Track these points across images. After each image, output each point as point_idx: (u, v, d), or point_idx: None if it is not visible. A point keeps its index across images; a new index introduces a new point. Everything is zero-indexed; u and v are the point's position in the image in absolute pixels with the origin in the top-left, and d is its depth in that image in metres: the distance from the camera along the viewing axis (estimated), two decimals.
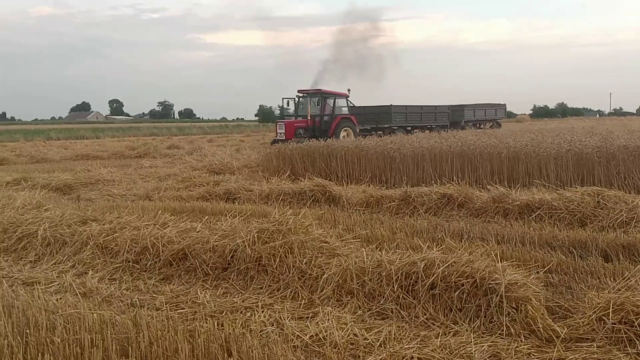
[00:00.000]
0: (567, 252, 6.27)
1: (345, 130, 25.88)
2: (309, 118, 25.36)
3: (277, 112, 25.93)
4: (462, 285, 4.67)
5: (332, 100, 26.38)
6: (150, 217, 7.53)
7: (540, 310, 4.38)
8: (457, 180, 10.23)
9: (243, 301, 5.19)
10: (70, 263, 6.62)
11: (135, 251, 6.46)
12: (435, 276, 4.78)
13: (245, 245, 5.89)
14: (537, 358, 3.88)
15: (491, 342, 4.12)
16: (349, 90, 27.27)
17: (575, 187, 8.71)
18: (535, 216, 7.97)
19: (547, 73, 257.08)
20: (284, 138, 23.90)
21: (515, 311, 4.39)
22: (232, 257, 5.94)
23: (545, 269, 5.47)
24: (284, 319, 4.63)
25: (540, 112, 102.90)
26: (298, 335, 4.33)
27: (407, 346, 4.08)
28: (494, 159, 11.40)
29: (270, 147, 16.06)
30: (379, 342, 4.19)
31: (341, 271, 5.22)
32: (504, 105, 41.24)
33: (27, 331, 4.09)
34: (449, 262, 4.87)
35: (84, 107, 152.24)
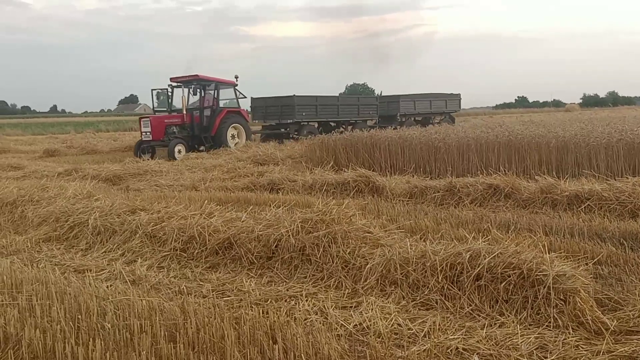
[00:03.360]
0: (617, 243, 6.11)
1: (233, 126, 21.50)
2: (185, 112, 20.76)
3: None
4: (509, 276, 4.60)
5: (213, 90, 21.43)
6: (196, 207, 7.64)
7: (589, 302, 4.29)
8: (504, 170, 10.07)
9: (287, 290, 5.23)
10: (120, 251, 6.78)
11: (182, 240, 6.57)
12: (480, 267, 4.72)
13: (289, 235, 5.92)
14: (585, 350, 3.80)
15: (538, 333, 4.06)
16: (236, 77, 22.22)
17: (627, 178, 8.48)
18: (584, 207, 7.78)
19: (597, 61, 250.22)
20: (150, 139, 19.90)
21: (563, 303, 4.30)
22: (276, 246, 5.99)
23: (595, 260, 5.34)
24: (328, 308, 4.65)
25: (590, 101, 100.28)
26: (342, 324, 4.35)
27: (452, 337, 4.05)
28: (542, 148, 11.16)
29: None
30: (423, 332, 4.17)
31: (385, 261, 5.21)
32: (458, 95, 33.70)
33: (79, 317, 4.21)
34: (495, 253, 4.80)
35: (132, 100, 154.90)
